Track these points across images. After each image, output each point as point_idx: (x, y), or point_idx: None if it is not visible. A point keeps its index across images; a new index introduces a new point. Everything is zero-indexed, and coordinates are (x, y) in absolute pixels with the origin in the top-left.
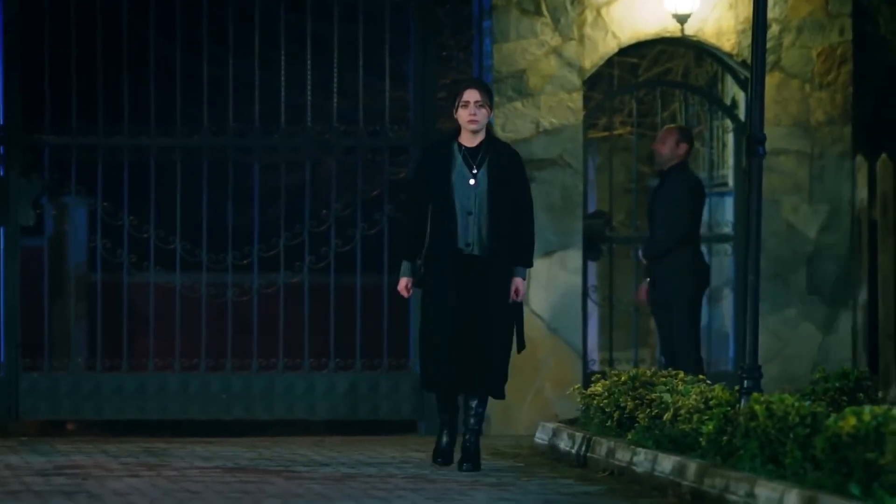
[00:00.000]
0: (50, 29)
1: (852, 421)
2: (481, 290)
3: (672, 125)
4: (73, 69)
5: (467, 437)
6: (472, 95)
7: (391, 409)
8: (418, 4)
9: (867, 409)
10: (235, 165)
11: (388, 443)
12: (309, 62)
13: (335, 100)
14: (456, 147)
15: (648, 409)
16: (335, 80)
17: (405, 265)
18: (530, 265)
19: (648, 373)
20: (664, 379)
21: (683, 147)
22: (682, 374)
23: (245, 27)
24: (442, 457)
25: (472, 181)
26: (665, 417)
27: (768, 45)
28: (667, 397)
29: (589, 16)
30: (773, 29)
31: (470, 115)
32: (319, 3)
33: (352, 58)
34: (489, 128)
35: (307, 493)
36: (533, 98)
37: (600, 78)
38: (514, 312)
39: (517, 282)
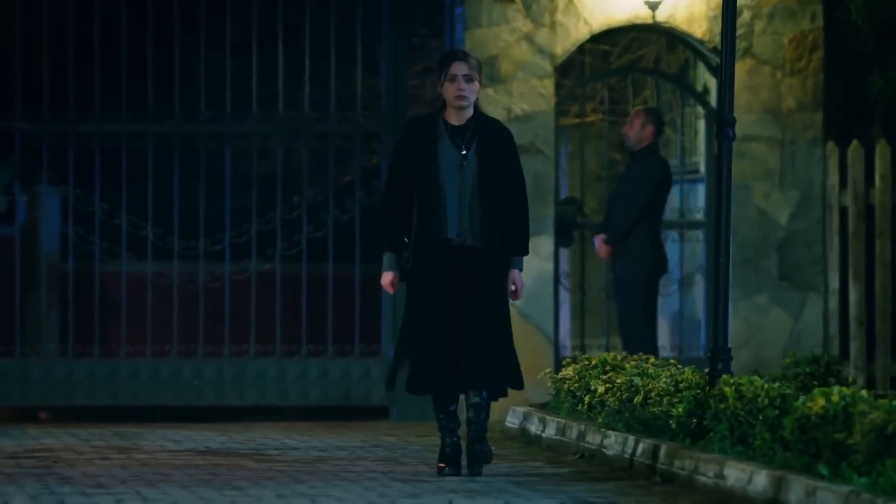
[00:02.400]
0: (21, 15)
1: (821, 402)
2: (474, 283)
3: (640, 107)
4: (45, 55)
5: (471, 433)
6: (459, 68)
7: (363, 395)
8: None
9: (836, 389)
10: (207, 152)
11: (360, 428)
12: (281, 49)
13: (307, 87)
14: (442, 125)
15: (619, 393)
16: (307, 67)
17: (388, 258)
18: (526, 253)
19: (619, 357)
20: (634, 362)
21: (650, 129)
22: (652, 359)
23: (216, 14)
24: (447, 463)
25: (461, 162)
26: (635, 401)
27: (739, 31)
28: (637, 380)
29: (560, 2)
30: (745, 15)
31: (458, 90)
32: None
33: (323, 45)
34: (477, 103)
35: (278, 475)
36: (505, 84)
37: (572, 65)
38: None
39: (515, 276)
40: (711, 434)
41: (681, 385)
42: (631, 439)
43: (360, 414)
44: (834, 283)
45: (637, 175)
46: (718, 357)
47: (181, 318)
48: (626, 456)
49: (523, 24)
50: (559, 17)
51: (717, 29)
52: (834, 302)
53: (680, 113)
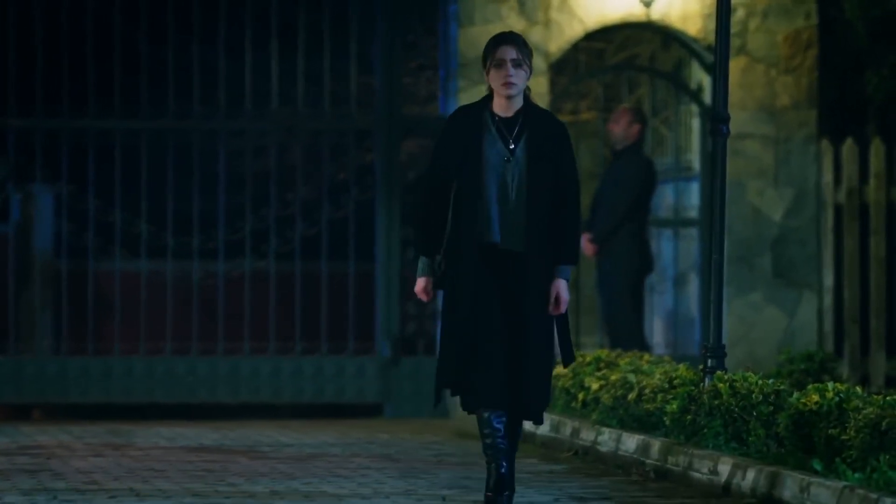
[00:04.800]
0: (15, 12)
1: (815, 398)
2: (519, 293)
3: (626, 105)
4: (38, 52)
5: (498, 461)
6: (507, 52)
7: (357, 393)
8: None
9: (830, 385)
10: (201, 149)
11: (354, 425)
12: (275, 46)
13: (301, 84)
14: (488, 116)
15: (613, 390)
16: (301, 64)
17: (423, 262)
18: (575, 262)
19: (613, 354)
20: (628, 359)
21: (636, 127)
22: (647, 356)
23: (210, 11)
24: (498, 489)
25: (508, 158)
26: (629, 397)
27: (734, 29)
28: (631, 377)
29: (555, 0)
30: (739, 13)
31: (505, 77)
32: None
33: (318, 42)
34: (527, 93)
35: (271, 471)
36: None
37: (566, 63)
38: (559, 320)
39: (560, 287)
40: (705, 430)
41: (675, 382)
42: (625, 436)
43: (354, 411)
44: (828, 280)
45: (622, 175)
46: (712, 353)
47: (175, 315)
48: (621, 452)
49: (517, 22)
50: (553, 14)
51: (712, 27)
52: (828, 299)
53: (674, 111)
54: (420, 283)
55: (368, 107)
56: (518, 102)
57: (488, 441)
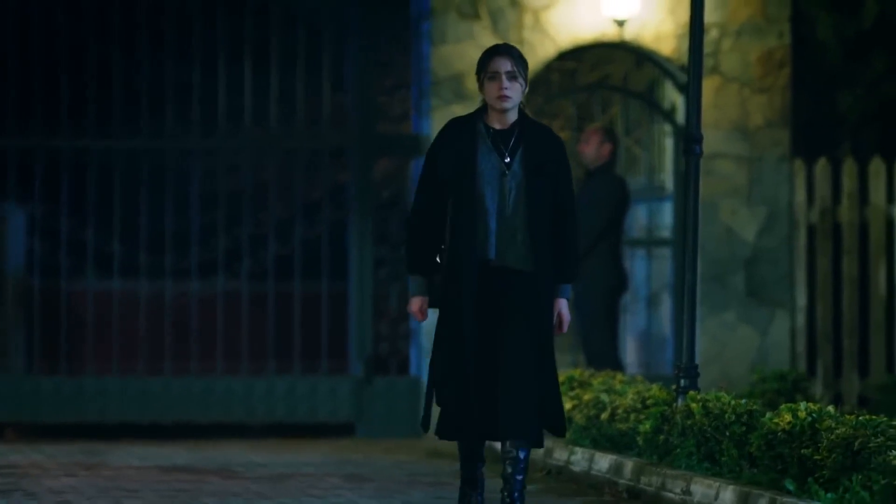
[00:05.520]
0: None
1: (788, 418)
2: (516, 312)
3: (596, 125)
4: (10, 72)
5: (506, 492)
6: (501, 65)
7: (330, 412)
8: (357, 8)
9: (802, 405)
10: (174, 168)
11: (327, 445)
12: (248, 65)
13: (274, 103)
14: (482, 128)
15: (586, 409)
16: (274, 83)
17: (416, 280)
18: (574, 280)
19: (586, 373)
20: (601, 379)
21: (607, 147)
22: (619, 375)
23: (183, 30)
24: None
25: (504, 172)
26: (602, 417)
27: (707, 49)
28: (604, 397)
29: (528, 20)
30: (712, 33)
31: (500, 90)
32: (258, 6)
33: (291, 61)
34: (522, 106)
35: (244, 491)
36: (472, 101)
37: (539, 82)
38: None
39: (561, 306)
40: (678, 450)
41: (648, 401)
42: (598, 455)
43: (327, 431)
44: (801, 299)
45: (596, 195)
46: (685, 373)
47: (148, 334)
48: (594, 472)
49: (490, 41)
50: (526, 34)
51: (685, 47)
52: (801, 319)
53: (647, 130)
54: (415, 303)
55: (342, 125)
56: (513, 115)
57: (467, 474)
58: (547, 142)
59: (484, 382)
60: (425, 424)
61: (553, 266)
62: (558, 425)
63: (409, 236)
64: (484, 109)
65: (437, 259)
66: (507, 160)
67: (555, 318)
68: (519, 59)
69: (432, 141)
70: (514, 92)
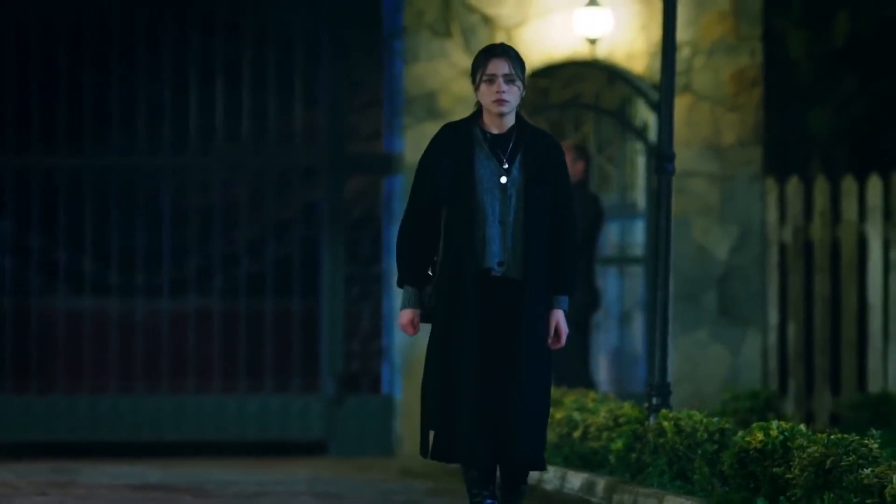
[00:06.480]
0: None
1: (759, 436)
2: (516, 325)
3: (568, 142)
4: None
5: None
6: (498, 67)
7: (301, 430)
8: (329, 26)
9: (774, 424)
10: (146, 186)
11: (299, 463)
12: (219, 83)
13: (246, 121)
14: (479, 133)
15: (558, 427)
16: (246, 101)
17: (408, 292)
18: (573, 292)
19: (558, 392)
20: (574, 397)
21: (580, 164)
22: (592, 394)
23: (155, 48)
24: None
25: (503, 178)
26: (574, 435)
27: (679, 67)
28: (576, 415)
29: (500, 38)
30: (684, 52)
31: (497, 93)
32: (230, 25)
33: (263, 79)
34: (520, 111)
35: None
36: (444, 119)
37: None
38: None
39: (559, 319)
40: (650, 468)
41: (620, 420)
42: (570, 474)
43: (299, 449)
44: (773, 318)
45: None
46: (657, 392)
47: (119, 352)
48: (566, 490)
49: (462, 59)
50: None
51: (657, 65)
52: (773, 337)
53: (619, 148)
54: (405, 315)
55: (313, 144)
56: (510, 119)
57: (477, 500)
58: (546, 147)
59: (487, 402)
60: (424, 451)
61: (551, 277)
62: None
63: (401, 246)
64: (479, 113)
65: (430, 271)
66: (507, 166)
67: (551, 330)
68: (517, 61)
69: (425, 148)
70: (512, 95)
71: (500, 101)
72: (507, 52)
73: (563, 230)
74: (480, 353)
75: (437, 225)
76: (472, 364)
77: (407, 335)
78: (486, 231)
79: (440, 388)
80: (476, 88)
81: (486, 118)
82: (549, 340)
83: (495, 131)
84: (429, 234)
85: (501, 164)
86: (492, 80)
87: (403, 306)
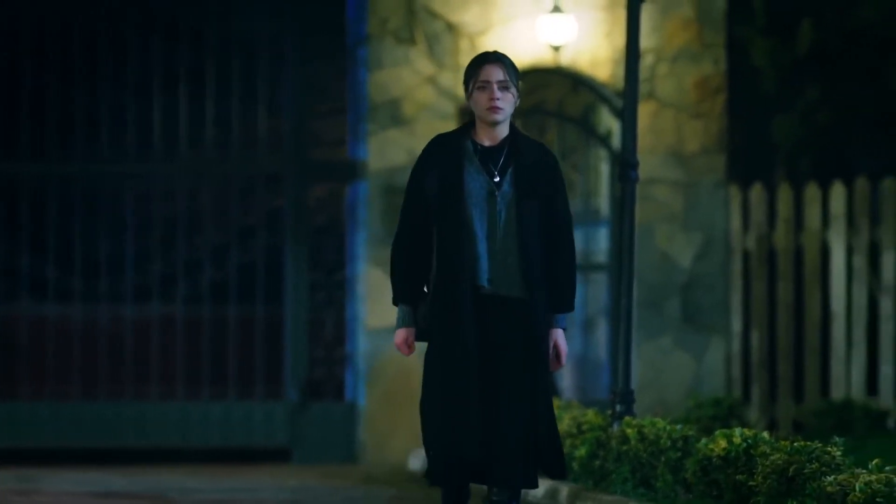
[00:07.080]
0: None
1: (723, 444)
2: (509, 344)
3: None
4: None
5: None
6: (492, 73)
7: (265, 437)
8: (293, 33)
9: (737, 431)
10: (109, 193)
11: (262, 470)
12: (183, 90)
13: (209, 128)
14: (470, 145)
15: None
16: (209, 108)
17: (403, 311)
18: (572, 309)
19: None
20: None
21: None
22: (555, 400)
23: (118, 55)
24: None
25: (493, 192)
26: None
27: (643, 74)
28: None
29: (464, 45)
30: (648, 59)
31: (490, 100)
32: (194, 32)
33: (226, 86)
34: (513, 121)
35: None
36: (408, 126)
37: None
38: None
39: (558, 337)
40: (613, 475)
41: (583, 427)
42: None
43: (263, 456)
44: (736, 325)
45: None
46: (621, 399)
47: (82, 359)
48: (529, 498)
49: (426, 67)
50: (462, 59)
51: (621, 72)
52: (736, 344)
53: (583, 155)
54: (400, 335)
55: (277, 151)
56: (504, 130)
57: None
58: (540, 159)
59: (478, 419)
60: (428, 479)
61: (549, 294)
62: (557, 467)
63: (395, 263)
64: (472, 125)
65: (425, 288)
66: (497, 179)
67: (551, 350)
68: (511, 68)
69: (416, 160)
70: (507, 103)
71: (495, 109)
72: (501, 59)
73: (559, 244)
74: (476, 371)
75: (430, 240)
76: (468, 383)
77: (402, 353)
78: (476, 248)
79: (437, 408)
80: (469, 97)
81: (479, 129)
82: (550, 361)
83: (487, 143)
84: (422, 250)
85: (492, 177)
86: (485, 87)
87: (398, 326)
